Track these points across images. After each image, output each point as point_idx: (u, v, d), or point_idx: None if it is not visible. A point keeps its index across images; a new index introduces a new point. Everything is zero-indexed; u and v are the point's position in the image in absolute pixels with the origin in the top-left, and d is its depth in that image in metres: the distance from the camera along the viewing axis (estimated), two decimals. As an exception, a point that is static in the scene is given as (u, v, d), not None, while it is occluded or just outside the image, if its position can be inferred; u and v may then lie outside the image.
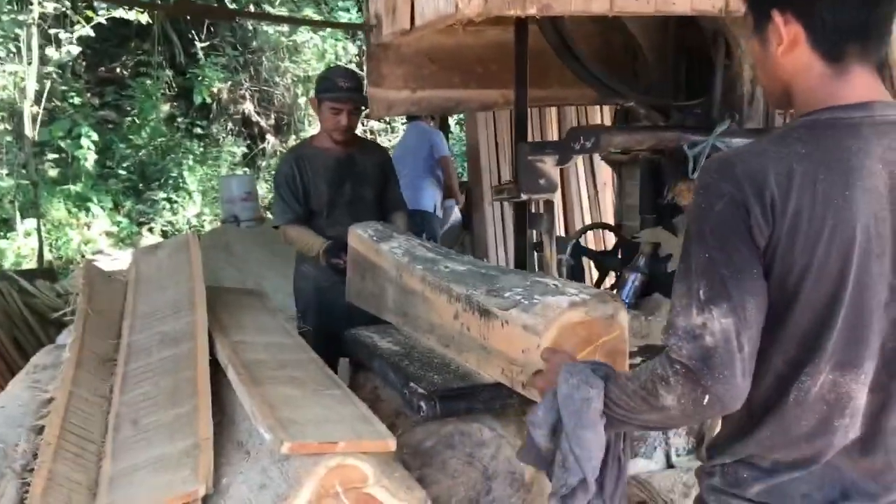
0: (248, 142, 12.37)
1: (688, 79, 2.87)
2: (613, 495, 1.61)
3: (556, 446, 1.53)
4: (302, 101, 11.87)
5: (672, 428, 1.56)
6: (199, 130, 11.54)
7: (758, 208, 1.25)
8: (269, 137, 12.42)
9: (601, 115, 7.61)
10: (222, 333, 2.50)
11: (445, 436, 2.33)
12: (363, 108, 3.44)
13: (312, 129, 12.08)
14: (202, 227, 10.45)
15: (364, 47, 12.73)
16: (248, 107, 12.38)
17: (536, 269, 2.93)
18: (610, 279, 3.62)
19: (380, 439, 1.83)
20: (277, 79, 12.03)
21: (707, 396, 1.26)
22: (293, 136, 12.11)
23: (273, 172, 11.60)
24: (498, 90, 3.05)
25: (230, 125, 12.20)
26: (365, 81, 3.27)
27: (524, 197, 2.47)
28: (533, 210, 2.68)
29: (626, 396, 1.39)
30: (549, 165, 2.45)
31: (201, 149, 11.41)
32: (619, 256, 3.42)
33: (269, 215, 9.85)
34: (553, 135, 7.26)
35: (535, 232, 2.86)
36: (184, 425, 2.02)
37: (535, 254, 2.83)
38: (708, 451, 1.53)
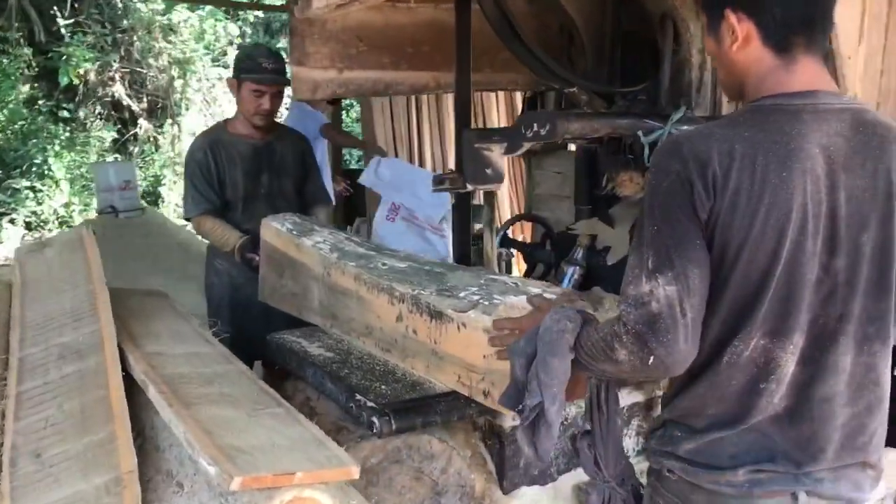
0: (119, 126, 11.60)
1: (626, 64, 2.75)
2: (606, 440, 1.76)
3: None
4: (178, 83, 11.23)
5: (625, 380, 1.75)
6: (64, 114, 10.70)
7: (700, 184, 1.34)
8: (142, 122, 11.68)
9: (496, 103, 7.53)
10: (133, 344, 2.19)
11: (392, 451, 2.12)
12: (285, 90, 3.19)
13: (190, 113, 11.45)
14: (71, 217, 9.71)
15: (244, 28, 12.19)
16: (119, 89, 11.58)
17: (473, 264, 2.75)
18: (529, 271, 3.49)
19: (341, 466, 1.60)
20: (151, 60, 11.30)
21: (651, 358, 1.34)
22: (168, 121, 11.45)
23: (147, 159, 11.00)
24: (430, 72, 2.83)
25: (99, 108, 11.38)
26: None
27: (470, 188, 2.28)
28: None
29: (590, 342, 1.47)
30: (496, 154, 2.27)
31: (67, 133, 10.60)
32: (548, 248, 3.30)
33: (145, 204, 9.28)
34: (450, 123, 7.10)
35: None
36: (99, 456, 1.72)
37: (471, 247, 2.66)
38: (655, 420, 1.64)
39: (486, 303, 1.99)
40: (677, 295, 1.34)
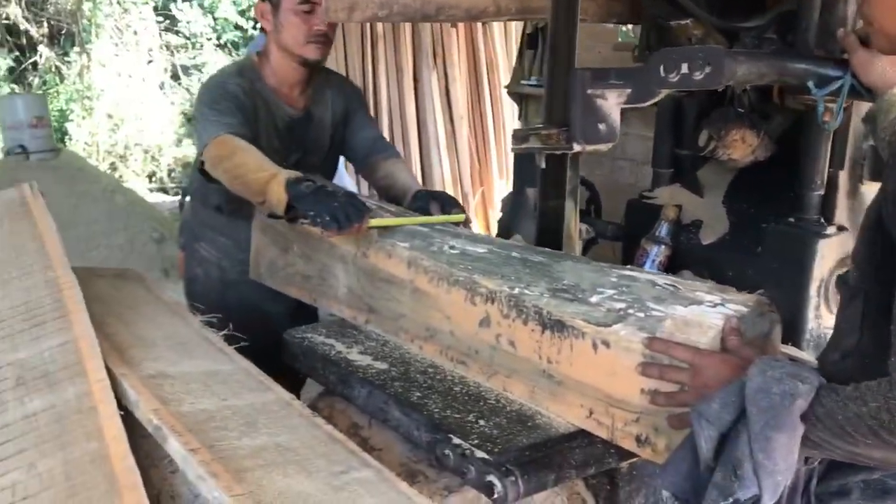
0: (16, 53, 10.38)
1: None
2: None
3: (719, 461, 1.19)
4: (87, 6, 10.06)
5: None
6: (-49, 36, 9.47)
7: None
8: (42, 49, 10.47)
9: (457, 39, 6.84)
10: (122, 361, 1.56)
11: None
12: None
13: (99, 40, 10.30)
14: (-35, 156, 8.60)
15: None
16: (14, 11, 10.33)
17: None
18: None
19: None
20: (52, -22, 10.11)
21: None
22: (75, 48, 10.29)
23: (50, 91, 9.85)
24: (492, -8, 2.20)
25: (-9, 33, 10.16)
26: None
27: (577, 148, 1.72)
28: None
29: (842, 416, 1.08)
30: (611, 104, 1.71)
31: (-44, 60, 9.39)
32: (593, 215, 2.77)
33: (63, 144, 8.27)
34: (408, 63, 6.41)
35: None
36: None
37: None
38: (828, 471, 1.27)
39: (641, 314, 1.44)
40: None
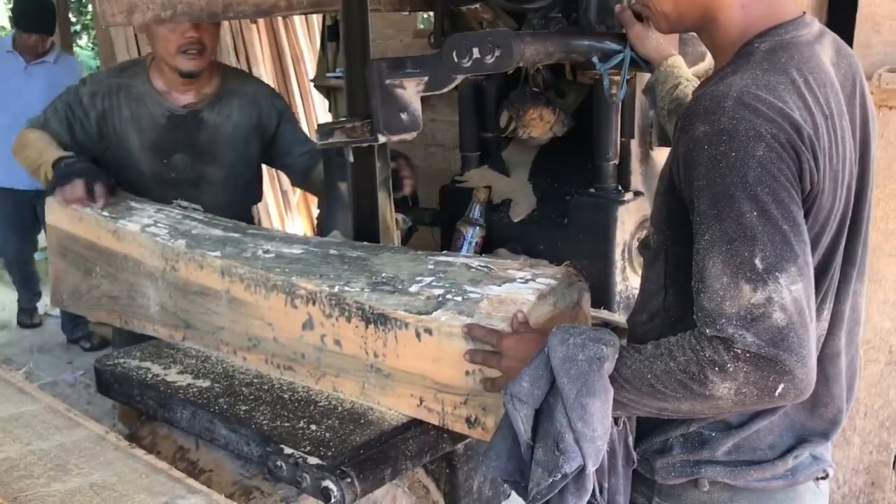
0: None
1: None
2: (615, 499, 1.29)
3: (537, 438, 1.20)
4: None
5: (703, 416, 1.27)
6: None
7: (805, 151, 1.10)
8: None
9: (258, 35, 6.66)
10: None
11: (328, 507, 1.56)
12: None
13: None
14: None
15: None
16: None
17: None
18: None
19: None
20: None
21: (782, 385, 1.05)
22: None
23: None
24: (281, -12, 2.13)
25: None
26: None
27: (382, 139, 1.70)
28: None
29: (650, 374, 1.12)
30: (410, 93, 1.71)
31: None
32: (411, 204, 2.78)
33: None
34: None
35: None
36: None
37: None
38: (648, 430, 1.33)
39: (459, 298, 1.46)
40: (805, 293, 1.06)
